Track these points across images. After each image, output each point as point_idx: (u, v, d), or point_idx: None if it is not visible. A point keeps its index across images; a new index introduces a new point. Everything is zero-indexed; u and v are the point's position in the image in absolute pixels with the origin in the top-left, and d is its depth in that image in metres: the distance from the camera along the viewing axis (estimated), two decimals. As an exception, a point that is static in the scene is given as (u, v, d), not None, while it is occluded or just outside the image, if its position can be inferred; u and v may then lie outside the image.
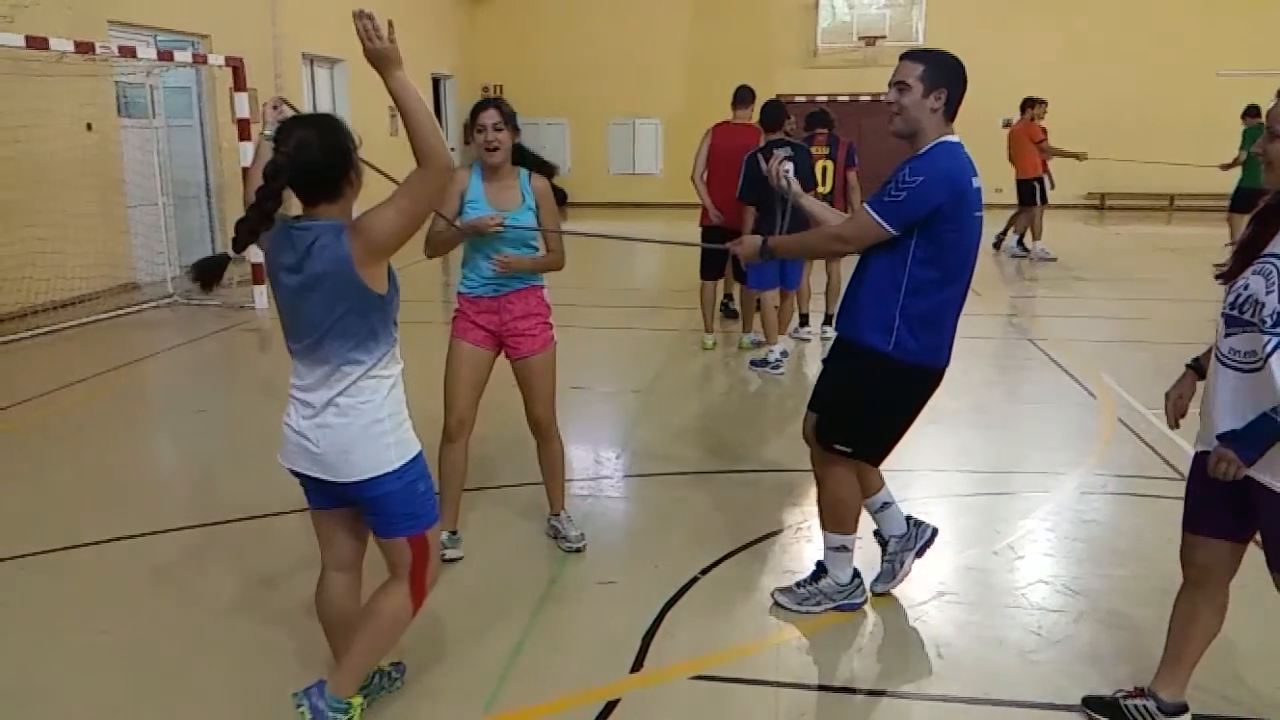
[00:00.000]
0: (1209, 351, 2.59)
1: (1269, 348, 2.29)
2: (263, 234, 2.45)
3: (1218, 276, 2.54)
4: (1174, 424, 2.76)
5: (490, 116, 3.62)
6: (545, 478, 4.08)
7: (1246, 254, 2.43)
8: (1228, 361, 2.43)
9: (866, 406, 3.25)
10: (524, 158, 3.78)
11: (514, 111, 3.73)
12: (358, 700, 2.68)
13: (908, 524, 3.65)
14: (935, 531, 3.69)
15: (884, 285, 3.11)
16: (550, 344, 3.87)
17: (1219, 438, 2.39)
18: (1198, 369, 2.73)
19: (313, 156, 2.39)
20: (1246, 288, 2.37)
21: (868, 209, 3.06)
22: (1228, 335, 2.43)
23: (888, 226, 3.01)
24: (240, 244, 2.41)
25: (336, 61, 14.74)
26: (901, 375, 3.17)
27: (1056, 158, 12.35)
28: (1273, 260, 2.33)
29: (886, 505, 3.62)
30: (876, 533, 3.68)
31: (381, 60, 2.31)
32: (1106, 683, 2.98)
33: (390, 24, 2.36)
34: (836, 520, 3.45)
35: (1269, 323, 2.29)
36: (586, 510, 4.45)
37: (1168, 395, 2.79)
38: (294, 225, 2.46)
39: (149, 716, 2.94)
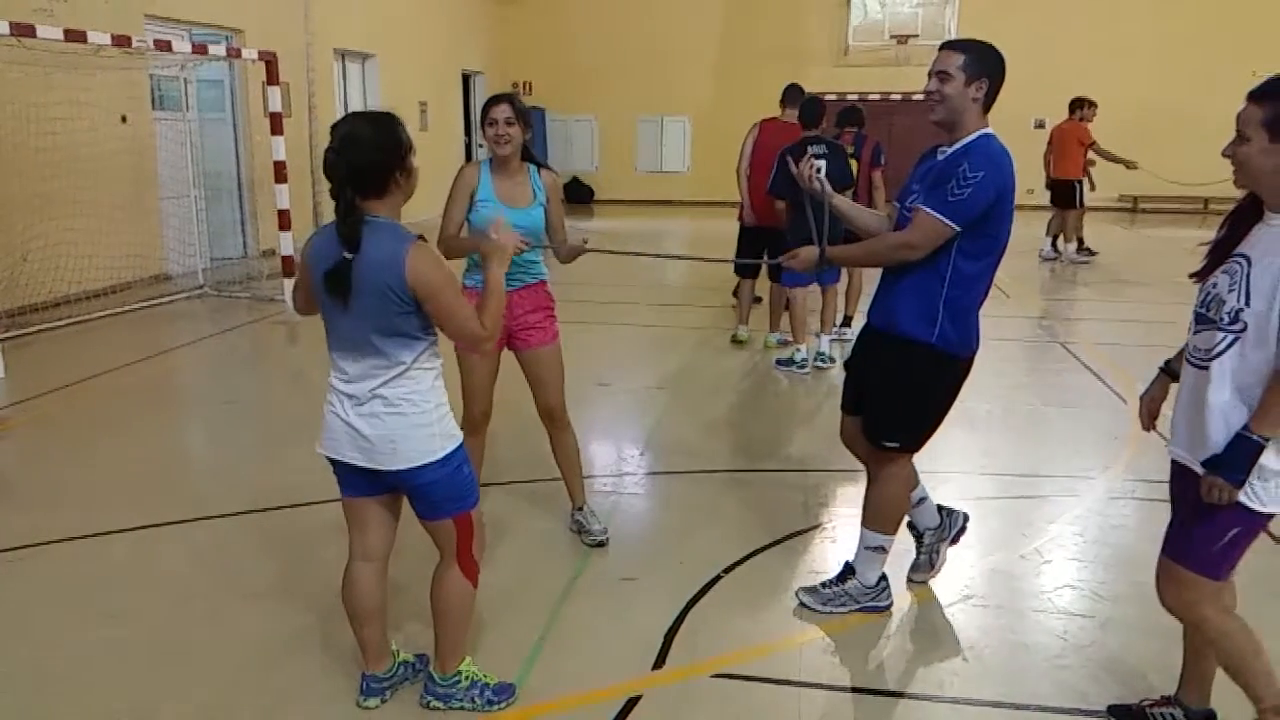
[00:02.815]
0: (1180, 354, 2.60)
1: (1220, 346, 2.33)
2: (358, 225, 2.47)
3: (1191, 275, 2.54)
4: (1147, 426, 2.77)
5: (502, 111, 3.66)
6: (563, 470, 4.08)
7: (1219, 253, 2.44)
8: (1190, 358, 2.46)
9: (911, 398, 3.24)
10: (527, 157, 3.80)
11: (527, 108, 3.76)
12: (465, 663, 2.88)
13: (940, 514, 3.65)
14: (967, 517, 3.71)
15: (928, 277, 3.09)
16: (557, 335, 3.93)
17: (1204, 464, 2.38)
18: (1170, 372, 2.72)
19: (359, 151, 2.45)
20: (1215, 286, 2.40)
21: (930, 211, 3.01)
22: (1195, 333, 2.45)
23: (954, 225, 2.99)
24: (351, 244, 2.45)
25: (368, 56, 14.80)
26: (943, 364, 3.18)
27: (1106, 162, 12.08)
28: (1239, 260, 2.34)
29: (922, 500, 3.62)
30: (911, 525, 3.66)
31: (494, 254, 2.72)
32: (1133, 691, 2.96)
33: (500, 222, 2.81)
34: (882, 520, 3.43)
35: (1225, 320, 2.32)
36: (609, 506, 4.45)
37: (1141, 398, 2.79)
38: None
39: (180, 701, 2.97)
